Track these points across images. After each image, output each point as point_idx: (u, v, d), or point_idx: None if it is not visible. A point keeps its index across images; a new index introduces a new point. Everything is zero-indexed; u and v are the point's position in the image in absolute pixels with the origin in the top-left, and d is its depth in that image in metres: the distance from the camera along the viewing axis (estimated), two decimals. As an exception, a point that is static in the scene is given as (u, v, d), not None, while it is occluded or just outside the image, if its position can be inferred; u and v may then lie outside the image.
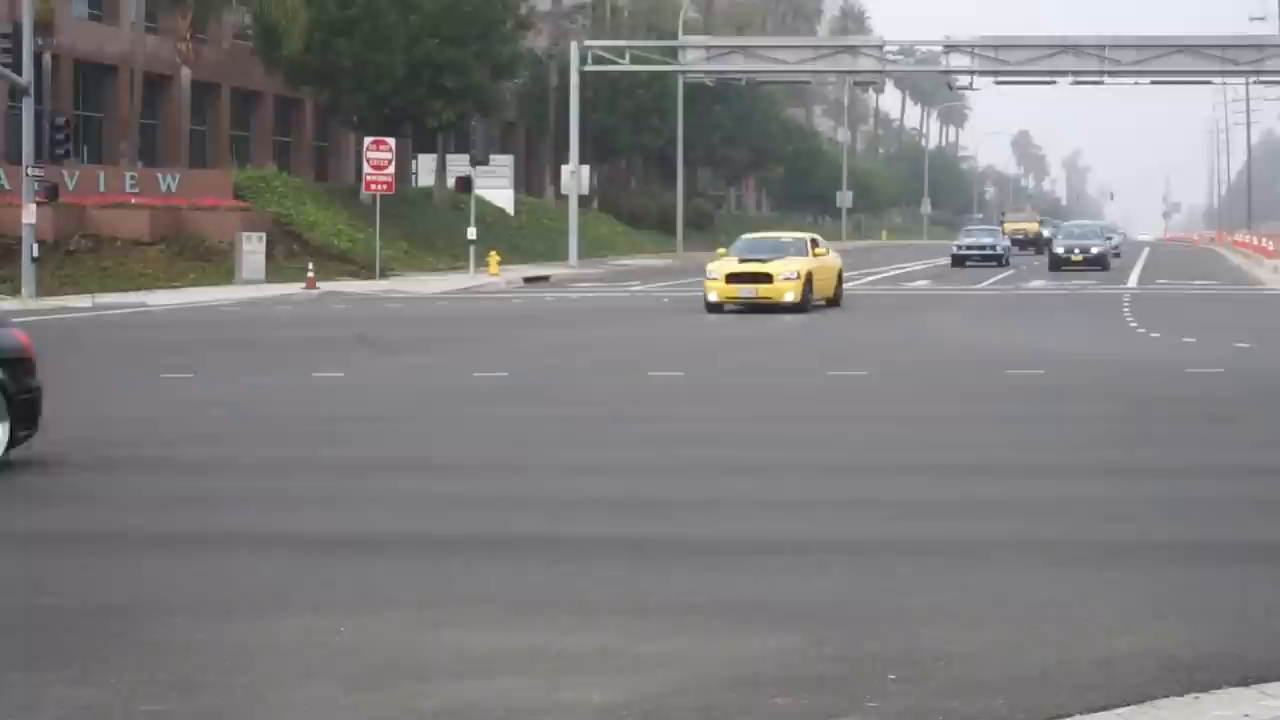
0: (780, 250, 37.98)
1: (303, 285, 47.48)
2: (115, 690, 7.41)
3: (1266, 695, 7.19)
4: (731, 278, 36.50)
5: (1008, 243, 68.69)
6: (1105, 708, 7.04)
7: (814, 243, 38.99)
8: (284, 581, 9.67)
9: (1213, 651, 7.88)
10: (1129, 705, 7.08)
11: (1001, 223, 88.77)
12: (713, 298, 36.36)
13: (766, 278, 36.32)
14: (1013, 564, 9.93)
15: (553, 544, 10.67)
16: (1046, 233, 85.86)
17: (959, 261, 64.95)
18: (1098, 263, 59.98)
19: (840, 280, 39.58)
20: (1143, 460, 14.38)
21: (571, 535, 11.03)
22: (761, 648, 8.03)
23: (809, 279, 36.59)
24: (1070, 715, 6.97)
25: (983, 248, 66.07)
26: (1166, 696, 7.19)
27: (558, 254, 69.07)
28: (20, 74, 42.97)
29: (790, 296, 35.95)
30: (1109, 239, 67.11)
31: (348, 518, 11.77)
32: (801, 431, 16.74)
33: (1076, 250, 60.69)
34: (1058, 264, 60.18)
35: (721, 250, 41.52)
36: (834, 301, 38.70)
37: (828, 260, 38.92)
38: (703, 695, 7.26)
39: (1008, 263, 65.39)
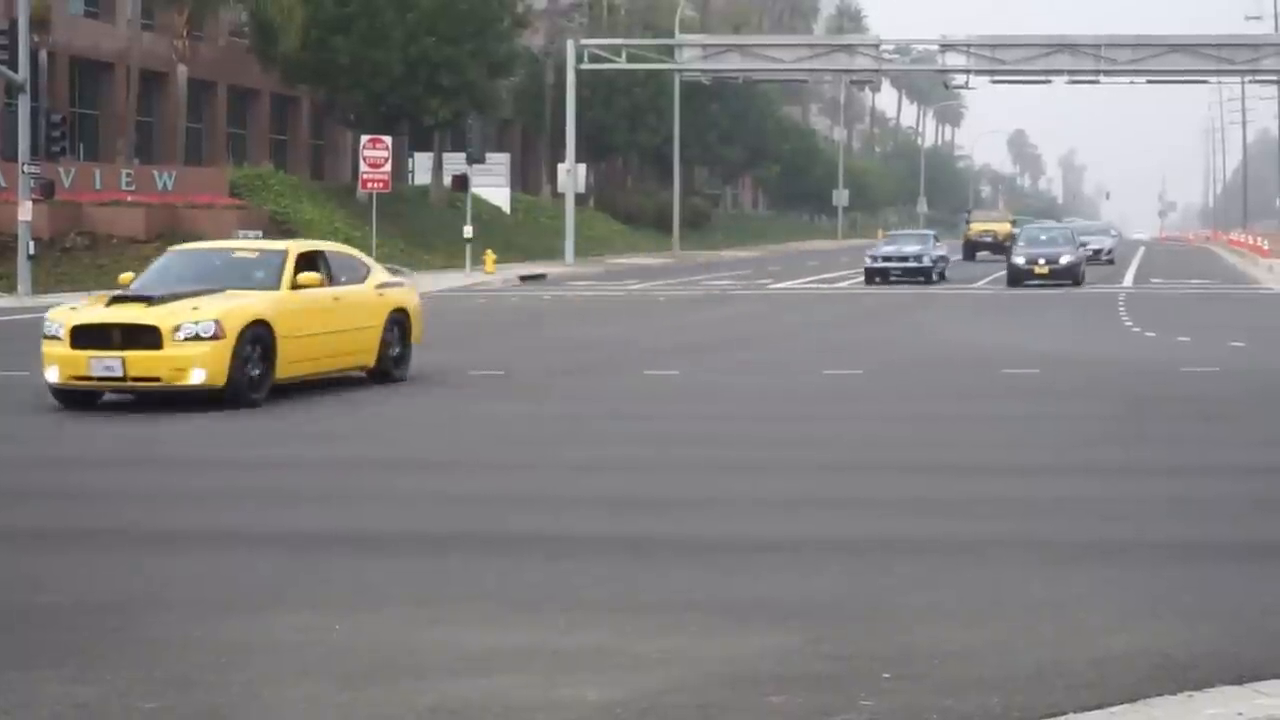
0: (223, 275, 19.88)
1: (299, 283, 47.40)
2: (112, 687, 7.42)
3: (1260, 694, 7.21)
4: (82, 336, 18.42)
5: (942, 252, 54.10)
6: (1099, 706, 7.06)
7: (309, 260, 20.29)
8: (281, 579, 9.69)
9: (1208, 650, 7.89)
10: (1123, 704, 7.09)
11: (967, 223, 77.87)
12: (53, 377, 18.54)
13: (147, 337, 18.30)
14: (1009, 563, 9.95)
15: (550, 542, 10.68)
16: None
17: (875, 276, 51.63)
18: (1067, 276, 48.81)
19: (397, 331, 21.38)
20: (1139, 459, 14.39)
21: (569, 533, 11.04)
22: (759, 646, 8.04)
23: (250, 336, 18.60)
24: (1064, 714, 6.98)
25: (905, 258, 51.95)
26: (1161, 695, 7.21)
27: (554, 252, 69.09)
28: (16, 71, 42.96)
29: (199, 376, 18.13)
30: (1083, 245, 54.35)
31: (344, 515, 11.78)
32: (799, 430, 16.75)
33: (1041, 260, 49.28)
34: (1017, 277, 49.15)
35: (127, 277, 20.76)
36: (380, 372, 21.04)
37: (350, 296, 20.69)
38: (699, 693, 7.28)
39: (943, 276, 52.71)
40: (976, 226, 76.12)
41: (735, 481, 13.14)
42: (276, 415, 17.90)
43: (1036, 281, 48.38)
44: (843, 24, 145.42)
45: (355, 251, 22.82)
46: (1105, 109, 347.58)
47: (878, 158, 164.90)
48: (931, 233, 58.47)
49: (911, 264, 51.45)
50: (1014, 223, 76.39)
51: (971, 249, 73.71)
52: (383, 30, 60.23)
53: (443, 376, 22.00)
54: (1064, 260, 49.13)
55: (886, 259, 52.20)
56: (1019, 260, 49.69)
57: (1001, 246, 69.18)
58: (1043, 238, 52.84)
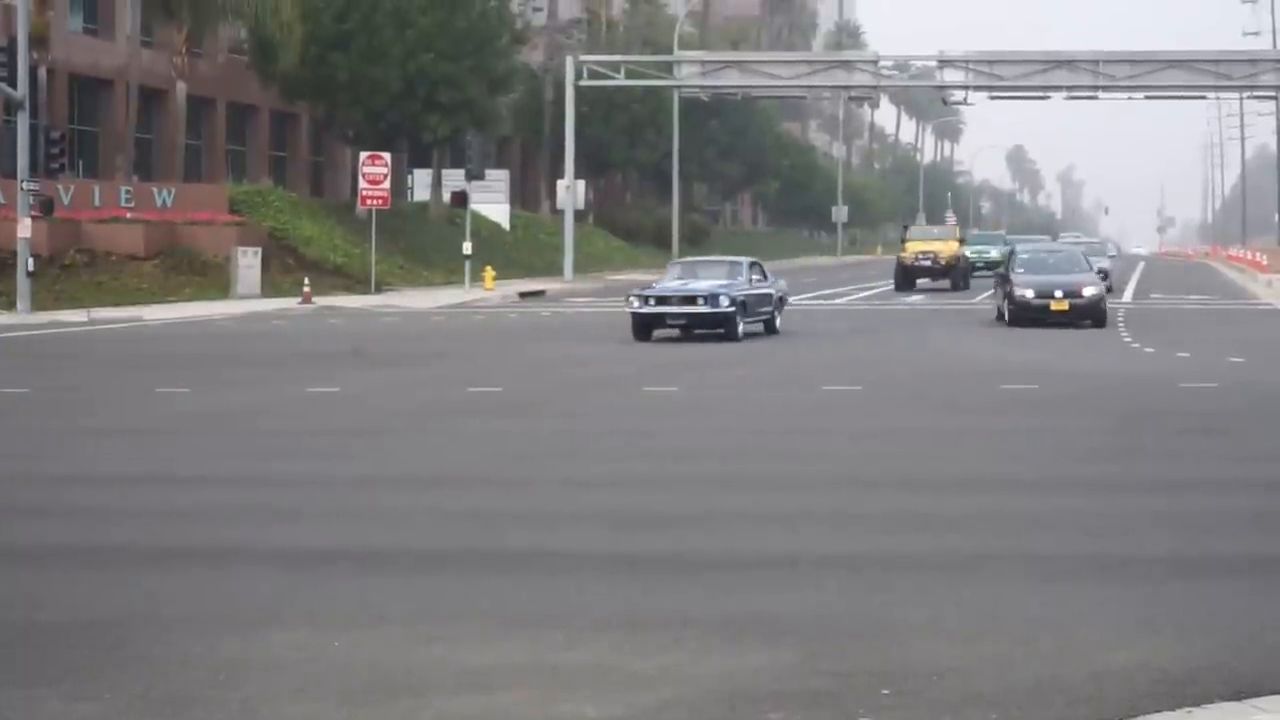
0: None
1: (299, 300, 47.53)
2: (110, 705, 7.42)
3: (1258, 709, 7.21)
4: None
5: (763, 290, 34.67)
6: (1098, 722, 7.07)
7: None
8: (279, 596, 9.68)
9: (1205, 666, 7.90)
10: (1122, 720, 7.11)
11: (903, 241, 59.09)
12: None
13: None
14: (1008, 578, 9.95)
15: (548, 558, 10.68)
16: (971, 254, 59.45)
17: (650, 326, 33.01)
18: (1090, 313, 36.32)
19: None
20: (1137, 474, 14.40)
21: (567, 550, 11.03)
22: (757, 662, 8.04)
23: None
24: (1064, 730, 7.00)
25: (691, 299, 32.84)
26: (1158, 711, 7.21)
27: (553, 269, 69.11)
28: (15, 88, 43.00)
29: None
30: (1098, 270, 41.63)
31: (342, 532, 11.78)
32: (797, 446, 16.75)
33: (1058, 292, 36.34)
34: (1024, 315, 36.30)
35: None
36: None
37: None
38: (698, 710, 7.28)
39: (771, 327, 34.84)
40: (913, 246, 57.62)
41: (733, 497, 13.15)
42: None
43: (1053, 320, 35.92)
44: (841, 40, 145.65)
45: None
46: (1104, 124, 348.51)
47: (877, 174, 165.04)
48: (746, 260, 36.07)
49: (702, 308, 32.75)
50: (963, 240, 61.27)
51: (908, 276, 56.91)
52: (382, 47, 60.32)
53: (442, 390, 21.97)
54: (1088, 292, 36.58)
55: (662, 301, 33.19)
56: (1025, 293, 36.51)
57: (946, 271, 56.35)
58: (1051, 261, 39.74)
